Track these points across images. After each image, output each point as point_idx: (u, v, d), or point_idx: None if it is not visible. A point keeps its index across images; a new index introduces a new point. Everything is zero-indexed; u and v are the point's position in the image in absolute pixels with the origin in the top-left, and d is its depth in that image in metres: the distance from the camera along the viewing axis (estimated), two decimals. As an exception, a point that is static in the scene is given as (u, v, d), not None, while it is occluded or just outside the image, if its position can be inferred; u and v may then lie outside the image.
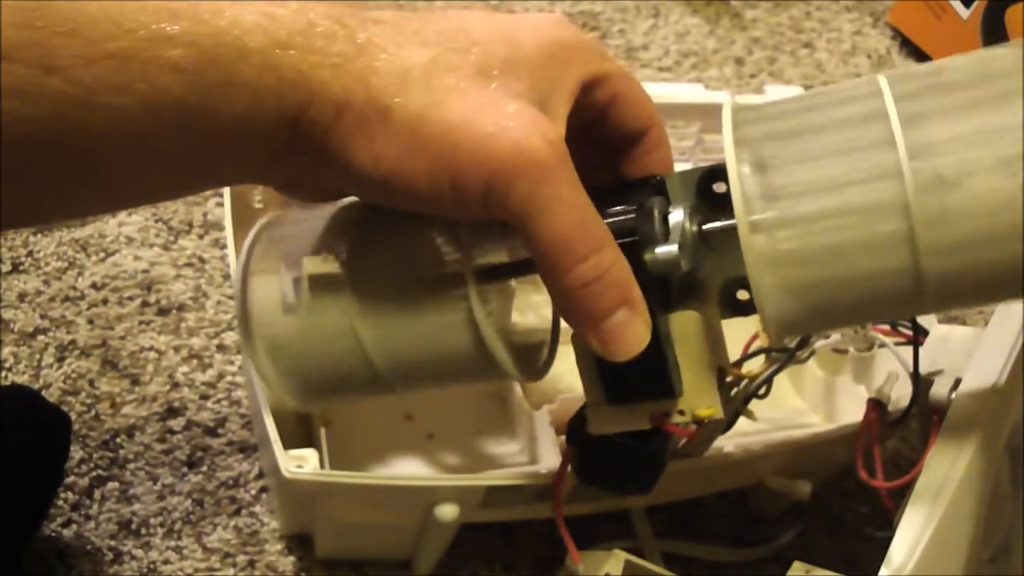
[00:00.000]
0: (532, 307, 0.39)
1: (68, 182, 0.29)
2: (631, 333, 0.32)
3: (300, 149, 0.31)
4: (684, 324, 0.35)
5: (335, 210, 0.37)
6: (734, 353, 0.45)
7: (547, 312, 0.39)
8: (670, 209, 0.34)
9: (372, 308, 0.34)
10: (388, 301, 0.34)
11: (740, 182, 0.32)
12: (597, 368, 0.35)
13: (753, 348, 0.48)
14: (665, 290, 0.34)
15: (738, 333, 0.45)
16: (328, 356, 0.36)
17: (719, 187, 0.34)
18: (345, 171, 0.31)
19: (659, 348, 0.34)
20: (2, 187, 0.27)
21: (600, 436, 0.39)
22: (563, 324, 0.39)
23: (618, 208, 0.33)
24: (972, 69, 0.32)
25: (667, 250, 0.33)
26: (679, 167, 0.36)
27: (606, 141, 0.37)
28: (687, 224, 0.34)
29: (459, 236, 0.34)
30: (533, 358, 0.38)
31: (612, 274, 0.32)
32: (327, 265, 0.35)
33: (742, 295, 0.35)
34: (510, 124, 0.30)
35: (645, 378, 0.35)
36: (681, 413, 0.35)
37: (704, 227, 0.34)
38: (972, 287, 0.31)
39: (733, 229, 0.33)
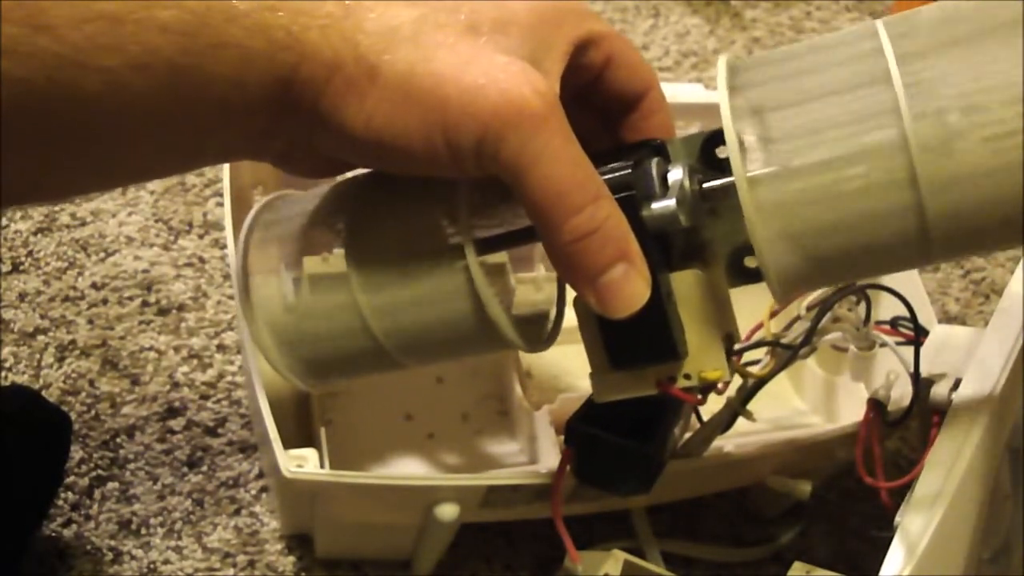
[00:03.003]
0: (531, 304, 0.39)
1: (64, 150, 0.29)
2: (629, 289, 0.31)
3: (293, 114, 0.31)
4: (686, 284, 0.34)
5: (331, 188, 0.37)
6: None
7: (550, 275, 0.39)
8: (669, 168, 0.33)
9: (374, 284, 0.34)
10: (390, 276, 0.34)
11: (738, 139, 0.31)
12: (600, 331, 0.35)
13: (756, 339, 0.47)
14: (666, 249, 0.34)
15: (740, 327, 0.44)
16: (333, 337, 0.36)
17: (722, 151, 0.33)
18: (338, 134, 0.31)
19: (661, 307, 0.33)
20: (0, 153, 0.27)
21: (599, 437, 0.39)
22: (567, 321, 0.39)
23: (614, 164, 0.33)
24: (975, 18, 0.31)
25: (665, 204, 0.32)
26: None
27: (604, 107, 0.36)
28: (686, 182, 0.33)
29: (458, 204, 0.33)
30: (537, 328, 0.38)
31: (608, 227, 0.31)
32: (327, 265, 0.35)
33: (750, 262, 0.35)
34: (500, 75, 0.30)
35: (648, 340, 0.34)
36: (687, 377, 0.35)
37: (704, 185, 0.33)
38: (975, 231, 0.31)
39: (737, 191, 0.32)
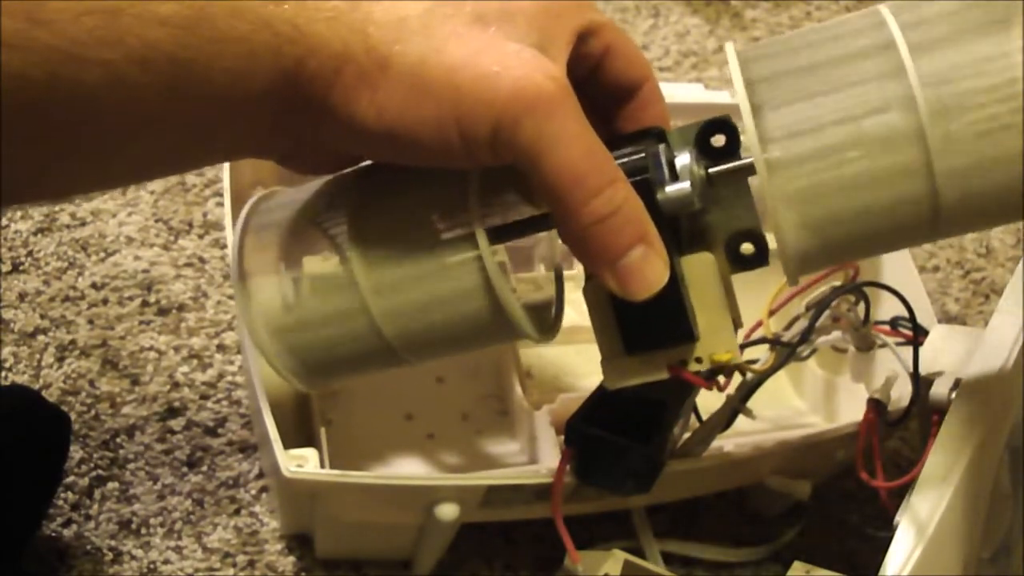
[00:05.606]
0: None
1: (65, 146, 0.29)
2: (650, 270, 0.32)
3: (301, 108, 0.31)
4: (697, 267, 0.34)
5: (330, 180, 0.36)
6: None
7: (549, 275, 0.39)
8: (675, 154, 0.34)
9: (380, 280, 0.34)
10: (397, 270, 0.34)
11: (753, 122, 0.32)
12: (614, 316, 0.35)
13: (756, 337, 0.47)
14: (676, 233, 0.34)
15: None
16: (337, 336, 0.35)
17: (717, 140, 0.34)
18: (348, 127, 0.31)
19: (676, 290, 0.33)
20: (1, 150, 0.27)
21: (599, 437, 0.39)
22: (568, 321, 0.39)
23: (626, 150, 0.33)
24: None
25: (680, 187, 0.33)
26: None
27: (601, 98, 0.37)
28: (695, 166, 0.34)
29: (467, 192, 0.33)
30: (543, 318, 0.38)
31: (627, 209, 0.31)
32: (327, 264, 0.35)
33: (747, 248, 0.35)
34: (512, 63, 0.30)
35: (663, 323, 0.34)
36: (699, 360, 0.35)
37: (711, 170, 0.34)
38: (984, 208, 0.32)
39: (737, 177, 0.33)
